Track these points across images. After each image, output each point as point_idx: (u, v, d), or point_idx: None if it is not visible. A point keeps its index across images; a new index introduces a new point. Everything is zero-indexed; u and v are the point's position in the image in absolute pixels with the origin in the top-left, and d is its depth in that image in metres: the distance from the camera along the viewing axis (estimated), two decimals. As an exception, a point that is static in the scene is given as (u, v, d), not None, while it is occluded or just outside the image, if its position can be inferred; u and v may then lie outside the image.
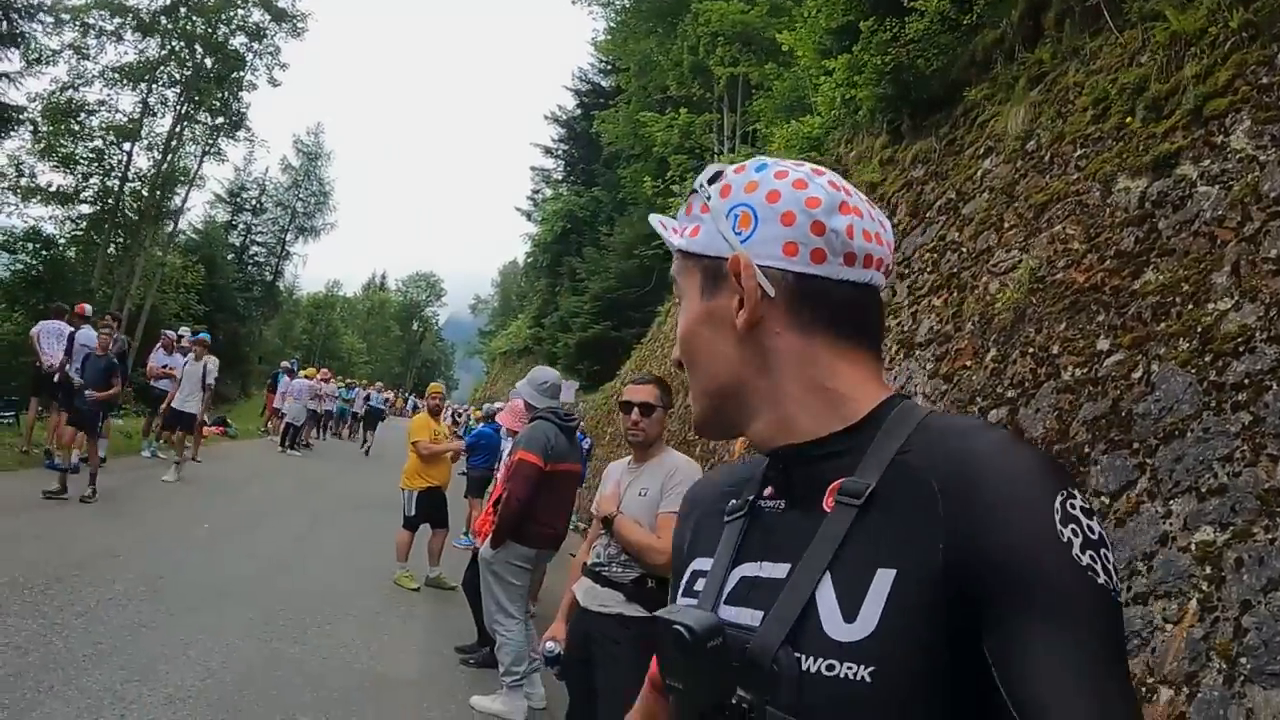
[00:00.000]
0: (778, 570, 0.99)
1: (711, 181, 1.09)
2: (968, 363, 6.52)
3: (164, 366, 14.72)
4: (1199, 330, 4.43)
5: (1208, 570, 3.88)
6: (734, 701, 0.92)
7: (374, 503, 13.72)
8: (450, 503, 9.31)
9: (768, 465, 1.10)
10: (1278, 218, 4.33)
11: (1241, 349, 4.17)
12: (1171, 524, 4.18)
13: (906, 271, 8.10)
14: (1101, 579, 0.84)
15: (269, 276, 51.93)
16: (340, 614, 7.42)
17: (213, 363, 14.37)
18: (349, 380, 28.38)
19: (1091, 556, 0.84)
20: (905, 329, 7.66)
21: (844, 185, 1.04)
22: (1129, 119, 5.80)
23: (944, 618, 0.84)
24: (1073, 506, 0.86)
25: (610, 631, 3.84)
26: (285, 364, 24.74)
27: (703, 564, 1.12)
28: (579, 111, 39.16)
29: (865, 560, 0.90)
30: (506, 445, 7.65)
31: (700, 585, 1.09)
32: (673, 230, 1.13)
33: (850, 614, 0.88)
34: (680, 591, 1.16)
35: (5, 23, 18.96)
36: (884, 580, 0.88)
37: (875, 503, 0.92)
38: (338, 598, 7.92)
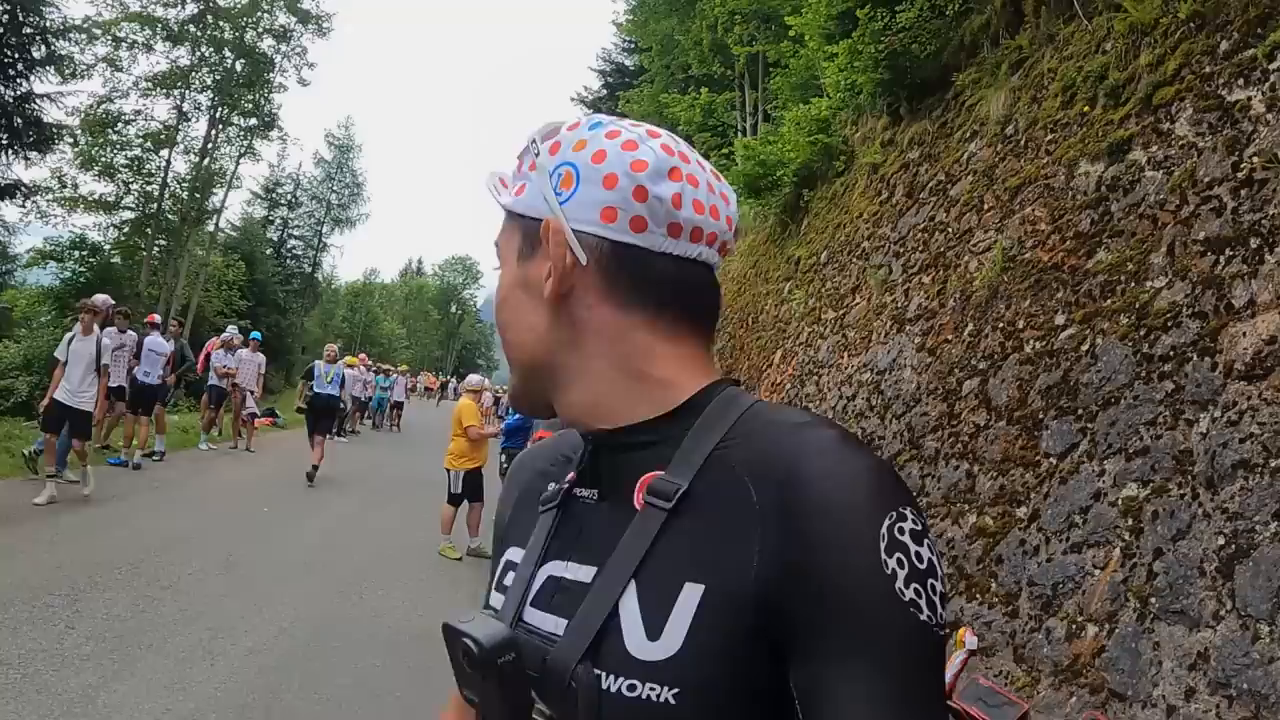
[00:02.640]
0: (584, 573, 0.92)
1: (546, 137, 1.00)
2: (949, 337, 7.08)
3: (224, 366, 15.74)
4: (1137, 306, 4.98)
5: (1130, 522, 4.47)
6: (534, 717, 0.88)
7: (416, 483, 14.71)
8: (486, 479, 10.10)
9: (582, 450, 1.02)
10: (1209, 201, 4.84)
11: (1170, 324, 4.72)
12: (1104, 481, 4.75)
13: (901, 250, 8.63)
14: (924, 614, 0.78)
15: (307, 268, 52.71)
16: (392, 581, 8.22)
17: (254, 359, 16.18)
18: (385, 368, 28.95)
19: (916, 590, 0.78)
20: (899, 305, 8.19)
21: (682, 151, 0.97)
22: (1088, 107, 6.30)
23: (754, 641, 0.79)
24: (901, 531, 0.79)
25: None
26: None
27: (515, 554, 1.05)
28: (604, 92, 39.18)
29: (672, 571, 0.84)
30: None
31: (510, 579, 1.03)
32: (504, 189, 1.05)
33: (654, 631, 0.82)
34: (493, 583, 1.08)
35: (44, 46, 19.77)
36: (691, 596, 0.82)
37: (687, 505, 0.86)
38: (389, 567, 8.76)
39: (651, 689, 0.81)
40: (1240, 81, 4.97)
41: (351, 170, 56.13)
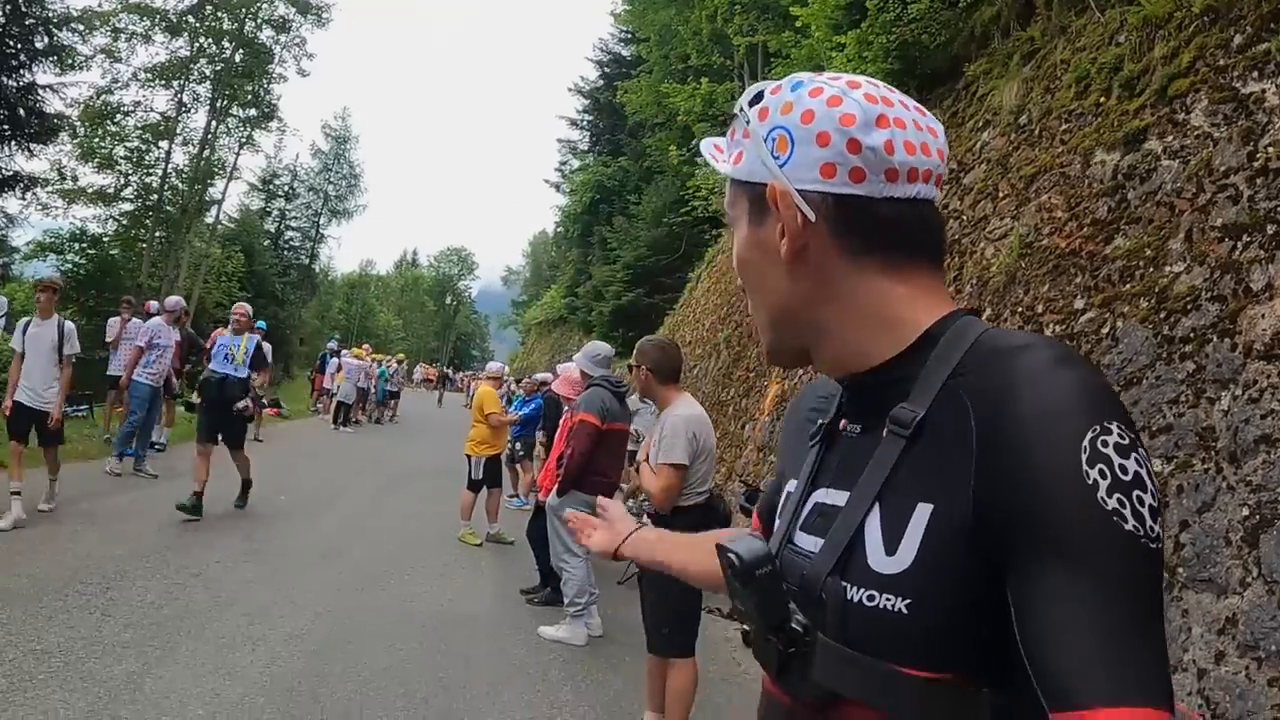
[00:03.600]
0: (840, 498, 1.01)
1: (753, 104, 1.05)
2: (966, 322, 7.15)
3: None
4: (1156, 290, 5.07)
5: (1156, 496, 4.56)
6: (791, 625, 0.96)
7: (425, 472, 14.87)
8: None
9: (843, 389, 1.11)
10: (1226, 190, 4.93)
11: (1189, 306, 4.81)
12: (1129, 459, 4.83)
13: (915, 239, 8.69)
14: (1129, 524, 0.80)
15: (305, 260, 52.57)
16: (416, 567, 8.33)
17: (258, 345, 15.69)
18: (382, 357, 28.91)
19: (1120, 500, 0.80)
20: (914, 293, 8.25)
21: (884, 95, 1.00)
22: (1104, 97, 6.38)
23: (975, 555, 0.85)
24: (1104, 444, 0.81)
25: None
26: (331, 345, 25.89)
27: (791, 485, 1.16)
28: (602, 82, 39.30)
29: (908, 492, 0.91)
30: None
31: (786, 505, 1.14)
32: (720, 157, 1.12)
33: (891, 547, 0.90)
34: (777, 511, 1.18)
35: (46, 37, 19.74)
36: (922, 515, 0.89)
37: (924, 432, 0.92)
38: (411, 554, 8.87)
39: (887, 599, 0.90)
40: (1255, 74, 5.03)
41: (349, 161, 56.18)
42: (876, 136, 0.97)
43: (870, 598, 0.91)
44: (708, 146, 1.14)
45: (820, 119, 0.98)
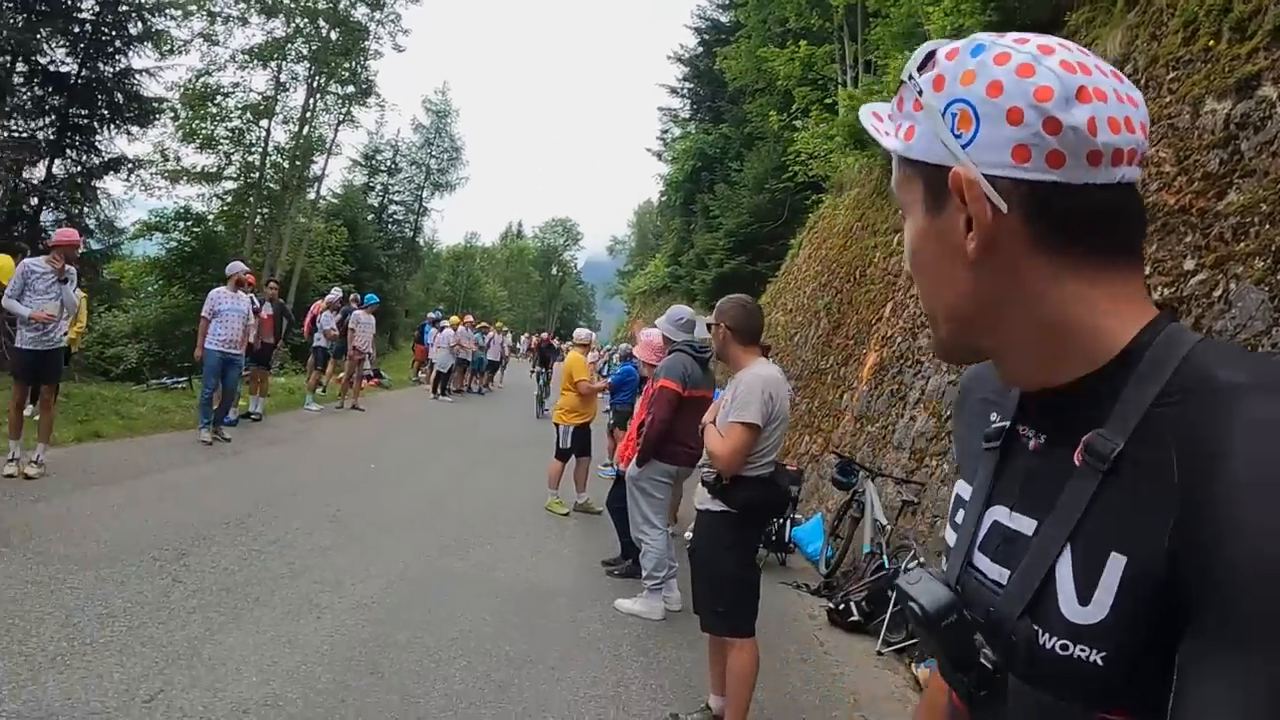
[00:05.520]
0: (1025, 525, 0.95)
1: (922, 68, 0.95)
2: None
3: (329, 329, 16.12)
4: (1273, 249, 4.52)
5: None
6: (980, 662, 0.92)
7: (517, 441, 14.87)
8: (593, 434, 10.05)
9: (1022, 393, 1.02)
10: (1350, 136, 4.35)
11: (1310, 267, 4.27)
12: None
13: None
14: None
15: (409, 233, 54.02)
16: (499, 536, 8.23)
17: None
18: (483, 325, 29.01)
19: None
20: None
21: (1082, 62, 0.88)
22: (1213, 41, 5.78)
23: (1166, 615, 0.78)
24: None
25: (700, 525, 4.57)
26: (431, 315, 26.17)
27: (964, 490, 1.09)
28: (701, 49, 39.09)
29: (1102, 538, 0.84)
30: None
31: (960, 517, 1.06)
32: (883, 128, 1.01)
33: (1084, 597, 0.84)
34: (950, 509, 1.12)
35: (140, 22, 20.31)
36: (1116, 566, 0.82)
37: (1122, 467, 0.84)
38: (496, 522, 8.77)
39: (1081, 650, 0.84)
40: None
41: (450, 135, 57.28)
42: (1078, 114, 0.85)
43: (1064, 646, 0.86)
44: (866, 115, 1.02)
45: (1010, 92, 0.87)
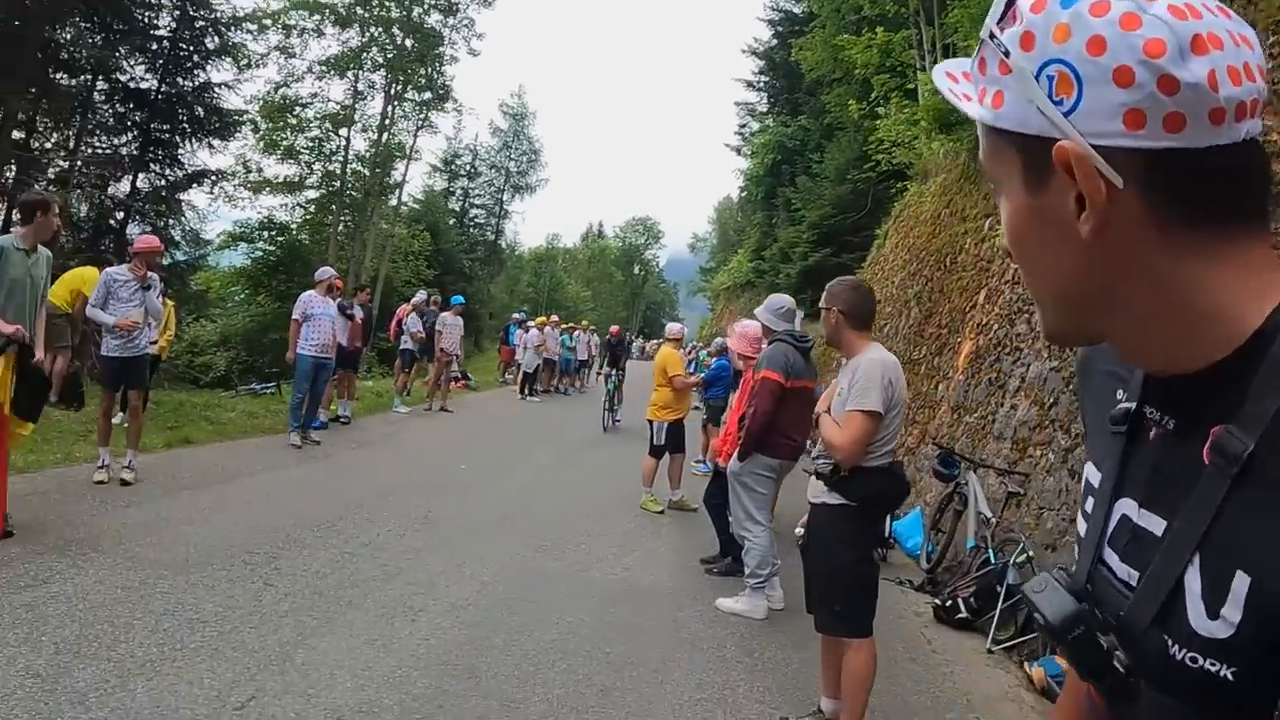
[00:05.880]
0: (1154, 524, 0.88)
1: (1001, 19, 0.84)
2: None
3: (415, 331, 16.19)
4: None
5: None
6: (1114, 666, 0.88)
7: (611, 439, 14.65)
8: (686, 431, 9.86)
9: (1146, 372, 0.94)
10: None
11: None
12: None
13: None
14: None
15: (491, 236, 54.84)
16: (593, 535, 8.06)
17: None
18: (569, 325, 29.01)
19: None
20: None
21: (1190, 4, 0.77)
22: None
23: None
24: None
25: (815, 519, 4.35)
26: (516, 316, 26.33)
27: (1093, 475, 1.02)
28: (775, 41, 38.91)
29: (1228, 551, 0.78)
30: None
31: (1090, 506, 1.00)
32: (960, 90, 0.91)
33: (1212, 610, 0.79)
34: (1081, 495, 1.05)
35: (217, 37, 20.85)
36: (1241, 585, 0.76)
37: (1252, 470, 0.76)
38: (589, 522, 8.60)
39: (1211, 664, 0.79)
40: None
41: (527, 137, 58.06)
42: (1196, 68, 0.74)
43: (1194, 659, 0.80)
44: (941, 77, 0.93)
45: (1115, 48, 0.76)
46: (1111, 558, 0.93)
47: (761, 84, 42.60)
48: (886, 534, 8.48)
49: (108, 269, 8.05)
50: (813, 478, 4.34)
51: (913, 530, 8.83)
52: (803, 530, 4.67)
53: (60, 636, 4.35)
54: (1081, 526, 1.01)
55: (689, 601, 6.42)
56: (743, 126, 46.33)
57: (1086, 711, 1.06)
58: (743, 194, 48.72)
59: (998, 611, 6.32)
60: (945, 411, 10.44)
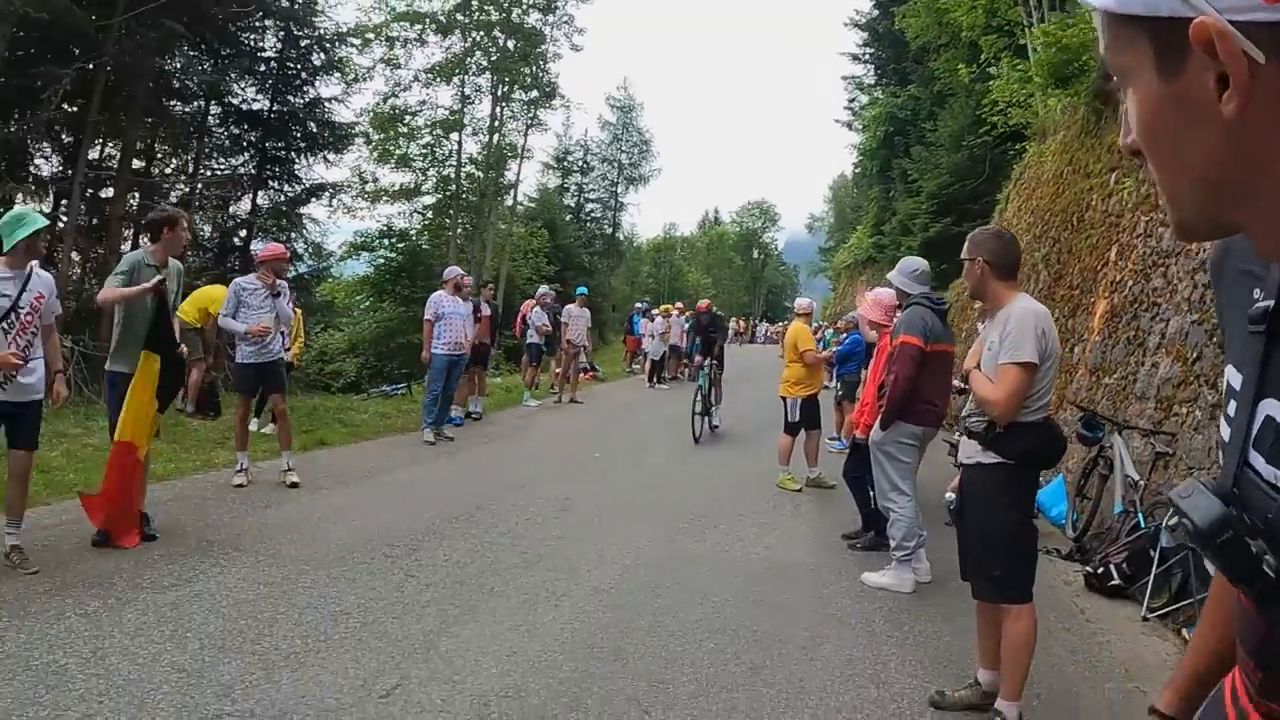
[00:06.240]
0: None
1: None
2: None
3: (540, 325, 16.28)
4: None
5: None
6: (1264, 569, 0.87)
7: (745, 419, 14.49)
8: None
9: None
10: None
11: None
12: None
13: None
14: None
15: (608, 229, 55.32)
16: (732, 516, 7.91)
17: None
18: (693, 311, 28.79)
19: None
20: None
21: None
22: None
23: None
24: None
25: (970, 481, 4.12)
26: (639, 306, 26.35)
27: (1234, 378, 1.00)
28: (877, 12, 37.92)
29: None
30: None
31: (1232, 409, 0.99)
32: None
33: None
34: (1223, 399, 1.04)
35: (322, 53, 21.48)
36: None
37: None
38: (727, 503, 8.45)
39: None
40: None
41: (637, 129, 58.28)
42: None
43: None
44: None
45: None
46: (1257, 460, 0.92)
47: (867, 56, 41.59)
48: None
49: (237, 279, 8.25)
50: (963, 438, 4.14)
51: (1056, 498, 8.44)
52: (953, 495, 4.41)
53: (205, 632, 4.40)
54: (1225, 430, 1.00)
55: (833, 578, 6.25)
56: (851, 101, 45.40)
57: (1236, 616, 1.06)
58: (856, 169, 48.14)
59: (1151, 577, 5.99)
60: (1083, 374, 9.95)
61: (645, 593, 5.59)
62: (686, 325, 24.50)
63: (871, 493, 6.65)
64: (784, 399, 9.41)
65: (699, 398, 12.64)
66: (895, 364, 5.84)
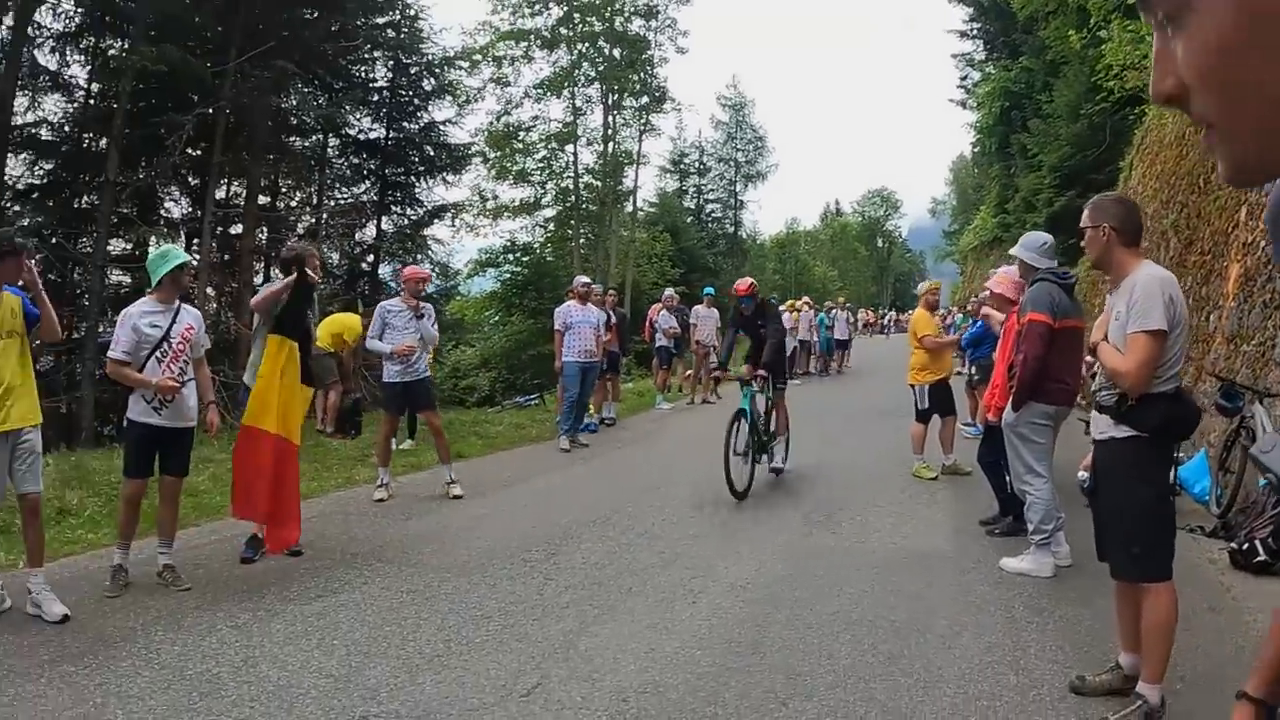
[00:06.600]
0: None
1: None
2: None
3: (668, 328, 16.37)
4: None
5: None
6: None
7: (874, 412, 14.31)
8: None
9: None
10: None
11: None
12: None
13: None
14: None
15: (729, 228, 55.23)
16: (868, 506, 7.83)
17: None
18: (825, 305, 28.30)
19: None
20: None
21: None
22: None
23: None
24: None
25: (1104, 457, 4.03)
26: (766, 304, 26.01)
27: None
28: None
29: None
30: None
31: None
32: None
33: None
34: None
35: (433, 79, 22.22)
36: None
37: None
38: (863, 493, 8.38)
39: None
40: None
41: (750, 125, 57.99)
42: None
43: None
44: None
45: None
46: None
47: (974, 31, 40.48)
48: (1173, 481, 7.67)
49: (382, 302, 8.63)
50: (1094, 413, 4.02)
51: (1198, 474, 7.95)
52: (1086, 474, 4.24)
53: (350, 639, 4.57)
54: None
55: (972, 565, 6.11)
56: (963, 79, 44.22)
57: None
58: (975, 149, 46.64)
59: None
60: (1220, 343, 9.38)
61: (782, 586, 5.57)
62: (816, 320, 24.21)
63: (1007, 477, 6.47)
64: (912, 386, 9.30)
65: (737, 430, 8.20)
66: (1023, 343, 5.67)
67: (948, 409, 9.28)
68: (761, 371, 9.01)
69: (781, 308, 23.03)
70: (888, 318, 59.10)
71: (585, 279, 12.39)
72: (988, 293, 7.74)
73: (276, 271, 7.44)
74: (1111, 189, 18.68)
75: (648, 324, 17.51)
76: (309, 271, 6.18)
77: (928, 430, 9.24)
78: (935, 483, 8.89)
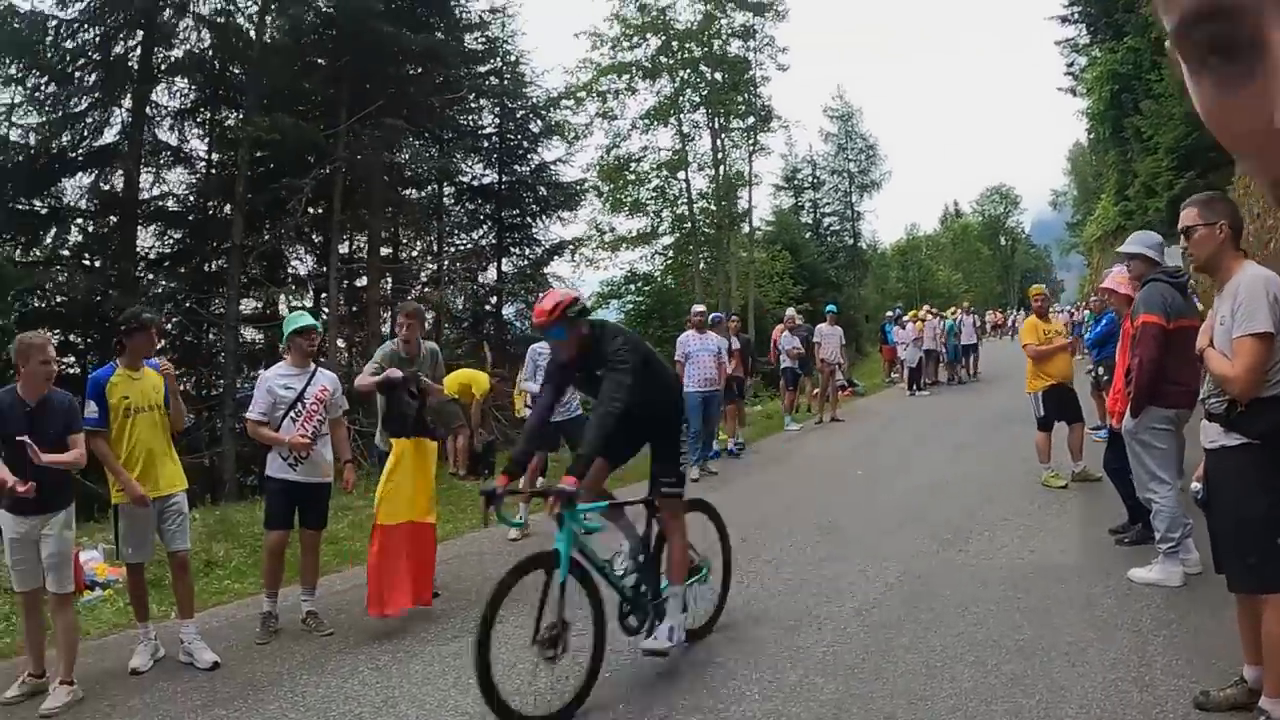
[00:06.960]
0: None
1: None
2: None
3: (791, 348, 16.42)
4: None
5: None
6: None
7: (1008, 420, 13.88)
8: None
9: None
10: None
11: None
12: None
13: None
14: None
15: (849, 240, 54.61)
16: (997, 521, 7.76)
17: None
18: (950, 312, 27.72)
19: None
20: None
21: None
22: None
23: None
24: None
25: (1216, 467, 3.93)
26: (890, 314, 26.03)
27: None
28: None
29: None
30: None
31: None
32: None
33: None
34: None
35: (539, 120, 22.96)
36: None
37: None
38: (992, 508, 8.31)
39: None
40: None
41: (860, 135, 57.19)
42: None
43: None
44: None
45: None
46: None
47: (1075, 15, 38.93)
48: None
49: (533, 345, 9.14)
50: (1204, 421, 3.97)
51: None
52: (1199, 484, 4.23)
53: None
54: None
55: (1100, 577, 6.02)
56: (1070, 65, 42.69)
57: None
58: (1090, 136, 44.98)
59: None
60: None
61: (907, 609, 5.61)
62: (942, 326, 23.78)
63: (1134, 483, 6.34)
64: (1029, 395, 9.26)
65: (543, 596, 4.79)
66: (1138, 346, 5.60)
67: (1071, 415, 9.16)
68: (568, 483, 4.59)
69: (905, 317, 22.97)
70: (1013, 318, 57.47)
71: (701, 308, 12.52)
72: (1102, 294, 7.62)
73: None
74: (1233, 167, 17.91)
75: (773, 346, 17.57)
76: (411, 391, 6.42)
77: (1051, 437, 9.09)
78: (1065, 491, 8.75)
